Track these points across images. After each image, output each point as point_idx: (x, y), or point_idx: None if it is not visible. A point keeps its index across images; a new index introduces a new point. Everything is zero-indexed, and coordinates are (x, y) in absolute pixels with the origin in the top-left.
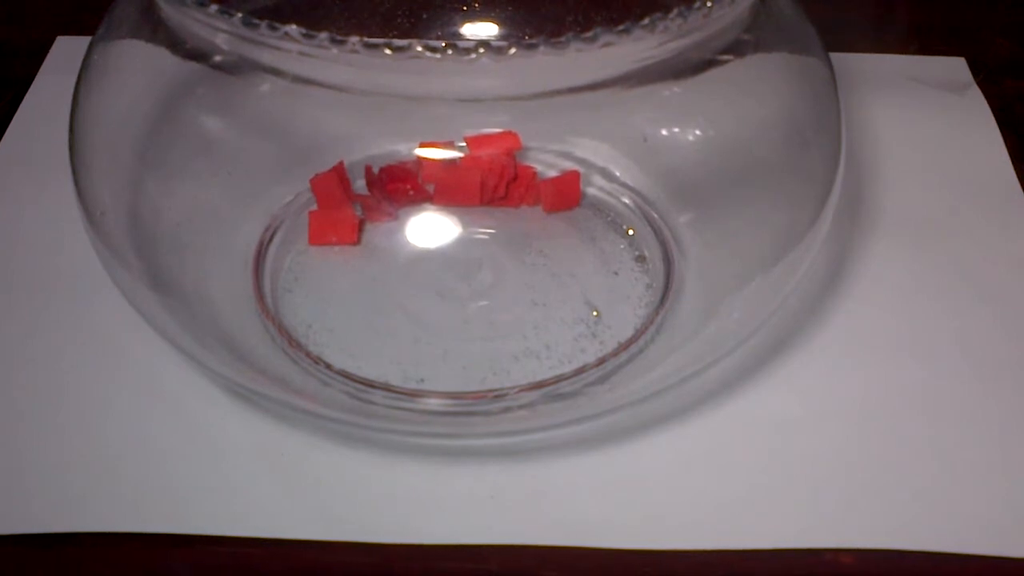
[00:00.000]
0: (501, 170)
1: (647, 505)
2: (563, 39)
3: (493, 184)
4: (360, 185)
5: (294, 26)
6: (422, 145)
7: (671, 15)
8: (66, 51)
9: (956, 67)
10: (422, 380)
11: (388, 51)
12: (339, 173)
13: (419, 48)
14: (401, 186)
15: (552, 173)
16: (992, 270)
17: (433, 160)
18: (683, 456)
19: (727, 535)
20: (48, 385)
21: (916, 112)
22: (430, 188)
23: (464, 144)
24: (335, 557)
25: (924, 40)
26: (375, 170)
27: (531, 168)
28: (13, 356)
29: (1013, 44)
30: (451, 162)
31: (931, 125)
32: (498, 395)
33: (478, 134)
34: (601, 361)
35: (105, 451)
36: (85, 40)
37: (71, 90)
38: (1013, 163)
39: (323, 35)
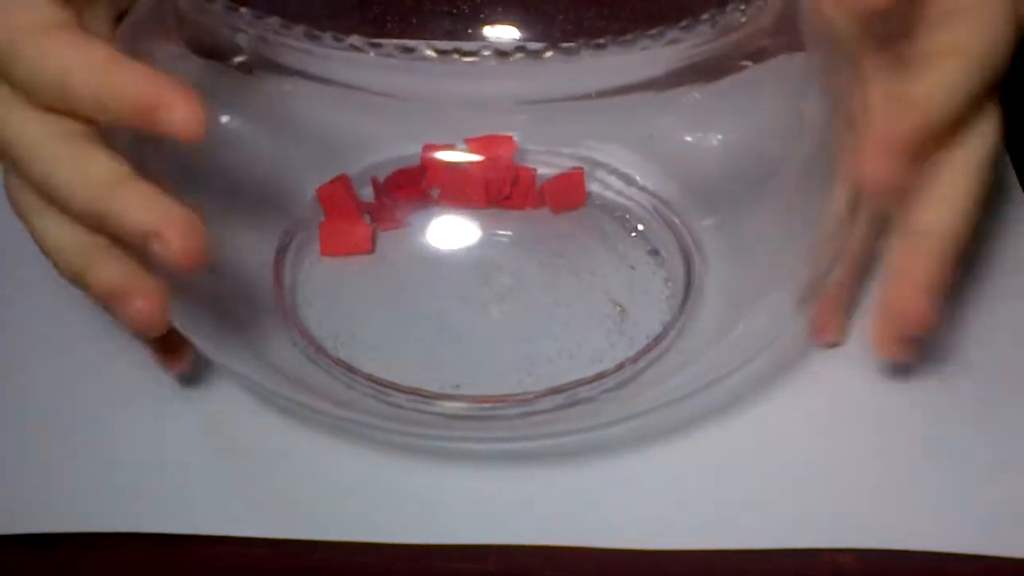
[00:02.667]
0: (503, 170)
1: (647, 505)
2: (574, 45)
3: (498, 184)
4: (366, 193)
5: (332, 32)
6: (426, 148)
7: (682, 24)
8: None
9: None
10: (458, 386)
11: (427, 54)
12: (343, 184)
13: (430, 52)
14: (408, 191)
15: None
16: (992, 270)
17: (438, 162)
18: (683, 456)
19: (727, 535)
20: (48, 385)
21: None
22: (435, 192)
23: (465, 146)
24: (335, 557)
25: None
26: (380, 178)
27: (531, 170)
28: (13, 356)
29: None
30: (455, 164)
31: None
32: (520, 400)
33: (476, 137)
34: (619, 367)
35: (105, 451)
36: None
37: None
38: (1013, 163)
39: (327, 35)
